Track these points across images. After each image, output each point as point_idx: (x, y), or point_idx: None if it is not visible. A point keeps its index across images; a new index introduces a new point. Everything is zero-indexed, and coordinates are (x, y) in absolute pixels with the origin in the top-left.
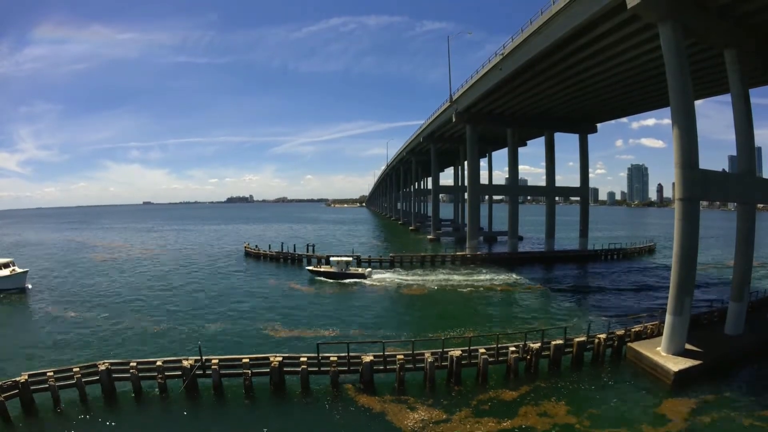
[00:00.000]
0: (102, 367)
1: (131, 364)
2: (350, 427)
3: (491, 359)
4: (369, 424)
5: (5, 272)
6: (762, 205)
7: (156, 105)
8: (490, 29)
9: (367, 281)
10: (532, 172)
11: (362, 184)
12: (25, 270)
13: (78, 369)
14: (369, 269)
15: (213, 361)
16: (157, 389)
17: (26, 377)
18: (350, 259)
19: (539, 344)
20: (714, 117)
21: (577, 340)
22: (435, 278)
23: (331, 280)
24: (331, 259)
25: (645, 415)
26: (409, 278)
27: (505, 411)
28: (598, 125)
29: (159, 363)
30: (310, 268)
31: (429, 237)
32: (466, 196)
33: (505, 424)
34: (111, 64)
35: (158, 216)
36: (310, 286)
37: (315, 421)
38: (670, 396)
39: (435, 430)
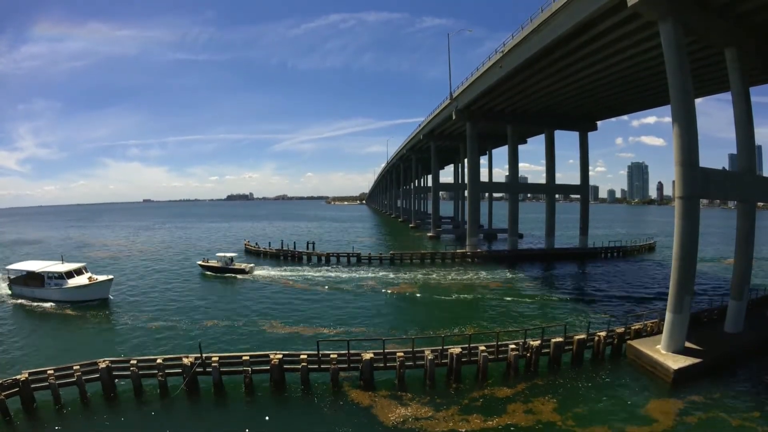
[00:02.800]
0: (102, 365)
1: (131, 361)
2: (333, 420)
3: (491, 357)
4: (352, 418)
5: (81, 279)
6: (762, 204)
7: (154, 102)
8: (490, 26)
9: (248, 276)
10: (532, 169)
11: (362, 181)
12: (109, 277)
13: (78, 367)
14: (251, 265)
15: (213, 359)
16: (157, 387)
17: (26, 375)
18: (234, 254)
19: (539, 342)
20: (715, 115)
21: (577, 337)
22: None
23: (216, 274)
24: (217, 254)
25: (631, 414)
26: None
27: (494, 408)
28: (599, 123)
29: (159, 360)
30: (200, 262)
31: (429, 234)
32: (466, 193)
33: (489, 421)
34: (109, 61)
35: (159, 214)
36: (304, 283)
37: (297, 415)
38: (661, 396)
39: (416, 425)
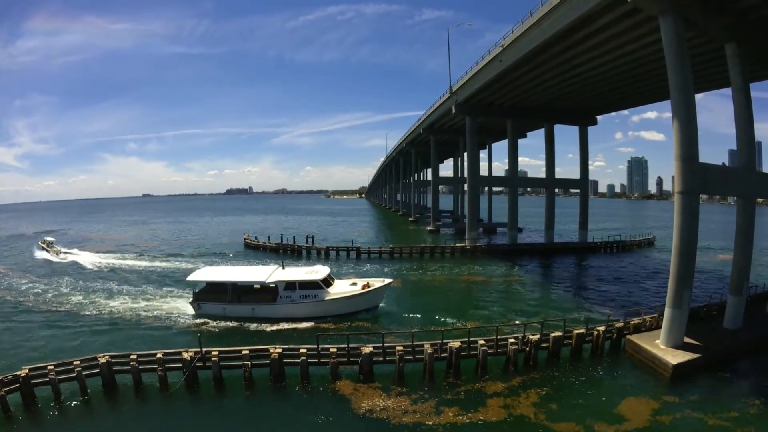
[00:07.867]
0: (102, 360)
1: (131, 356)
2: (318, 411)
3: (491, 351)
4: (326, 406)
5: (344, 287)
6: (762, 200)
7: (152, 96)
8: (491, 18)
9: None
10: (532, 164)
11: (362, 175)
12: (387, 282)
13: (78, 362)
14: (60, 248)
15: (213, 353)
16: (157, 382)
17: (27, 371)
18: (53, 239)
19: (538, 336)
20: (716, 110)
21: (576, 332)
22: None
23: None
24: (45, 238)
25: (608, 411)
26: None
27: (474, 401)
28: (599, 117)
29: (159, 355)
30: (41, 242)
31: (428, 228)
32: (465, 187)
33: (461, 416)
34: (105, 55)
35: (158, 208)
36: None
37: (296, 408)
38: (642, 393)
39: (382, 415)
